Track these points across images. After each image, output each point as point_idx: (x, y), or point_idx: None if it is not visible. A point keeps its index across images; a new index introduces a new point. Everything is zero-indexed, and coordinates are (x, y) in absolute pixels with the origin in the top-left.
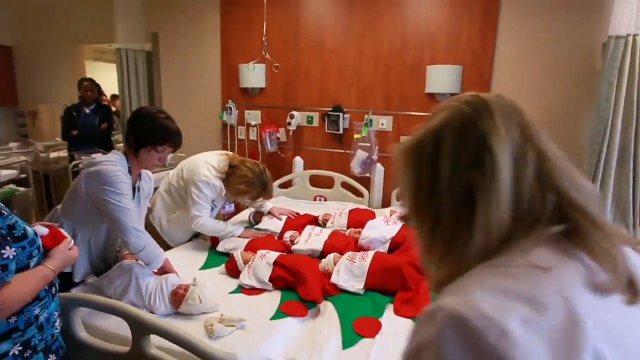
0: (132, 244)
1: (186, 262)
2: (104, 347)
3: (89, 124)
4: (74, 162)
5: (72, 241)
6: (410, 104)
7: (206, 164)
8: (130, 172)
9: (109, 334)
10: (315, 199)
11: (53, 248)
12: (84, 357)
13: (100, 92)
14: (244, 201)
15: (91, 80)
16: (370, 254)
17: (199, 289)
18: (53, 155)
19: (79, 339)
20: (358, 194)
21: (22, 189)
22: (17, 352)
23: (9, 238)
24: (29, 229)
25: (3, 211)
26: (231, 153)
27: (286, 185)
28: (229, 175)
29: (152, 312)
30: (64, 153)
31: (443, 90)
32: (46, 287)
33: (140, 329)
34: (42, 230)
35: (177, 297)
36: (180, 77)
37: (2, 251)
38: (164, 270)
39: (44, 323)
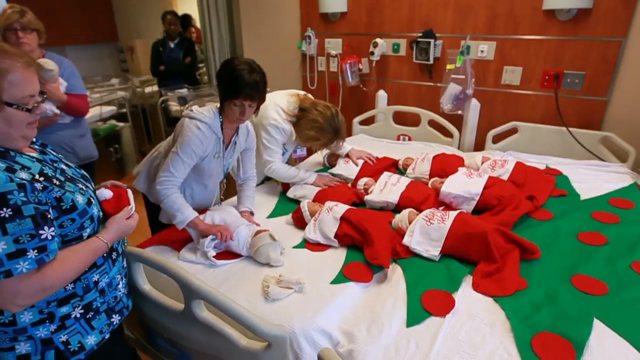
0: (157, 189)
1: (255, 209)
2: (163, 301)
3: (174, 59)
4: (162, 99)
5: (134, 208)
6: (521, 25)
7: (275, 106)
8: (222, 126)
9: (174, 288)
10: (398, 138)
11: (114, 215)
12: (146, 308)
13: (188, 25)
14: (315, 148)
15: (173, 13)
16: (452, 214)
17: (276, 238)
18: (148, 90)
19: (142, 291)
20: (447, 134)
21: (121, 124)
22: (78, 315)
23: (49, 216)
24: (79, 199)
25: (54, 181)
26: (302, 93)
27: (368, 122)
28: (299, 119)
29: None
30: (157, 88)
31: (568, 4)
32: (104, 255)
33: (190, 293)
34: (106, 194)
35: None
36: (258, 5)
37: (40, 232)
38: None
39: (105, 287)
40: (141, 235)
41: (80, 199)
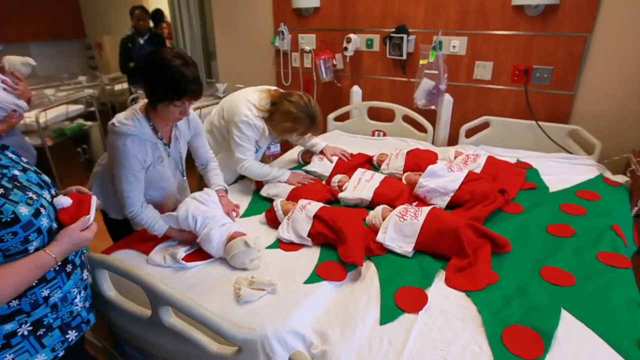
0: (128, 217)
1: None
2: (129, 308)
3: (144, 55)
4: (132, 96)
5: (92, 218)
6: (491, 21)
7: (246, 103)
8: (155, 129)
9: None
10: (373, 134)
11: (70, 225)
12: (113, 316)
13: (160, 20)
14: (293, 139)
15: (142, 8)
16: (425, 210)
17: (255, 244)
18: (117, 87)
19: (107, 298)
20: (421, 129)
21: (89, 123)
22: (26, 332)
23: None
24: (23, 210)
25: None
26: (273, 88)
27: (342, 117)
28: (272, 114)
29: (203, 247)
30: (127, 85)
31: (536, 0)
32: (56, 268)
33: (156, 299)
34: (64, 201)
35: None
36: (231, 0)
37: None
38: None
39: (58, 303)
40: (109, 240)
41: (24, 211)
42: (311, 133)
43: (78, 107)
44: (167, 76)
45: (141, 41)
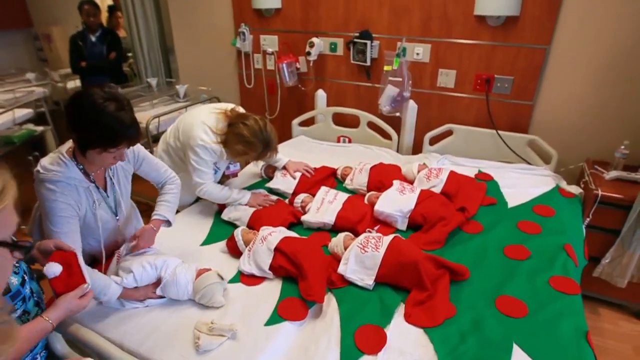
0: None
1: (188, 233)
2: None
3: (96, 53)
4: None
5: (89, 285)
6: (454, 29)
7: (202, 126)
8: (87, 172)
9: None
10: (339, 140)
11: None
12: None
13: (114, 9)
14: (247, 161)
15: (92, 3)
16: (386, 241)
17: (223, 277)
18: (70, 85)
19: (62, 357)
20: (386, 135)
21: (40, 128)
22: None
23: None
24: (13, 280)
25: None
26: (230, 107)
27: (308, 122)
28: (228, 135)
29: (166, 293)
30: (80, 83)
31: (498, 12)
32: None
33: None
34: (56, 270)
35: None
36: None
37: None
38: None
39: None
40: None
41: (14, 280)
42: (264, 159)
43: (27, 112)
44: (102, 123)
45: (93, 38)
